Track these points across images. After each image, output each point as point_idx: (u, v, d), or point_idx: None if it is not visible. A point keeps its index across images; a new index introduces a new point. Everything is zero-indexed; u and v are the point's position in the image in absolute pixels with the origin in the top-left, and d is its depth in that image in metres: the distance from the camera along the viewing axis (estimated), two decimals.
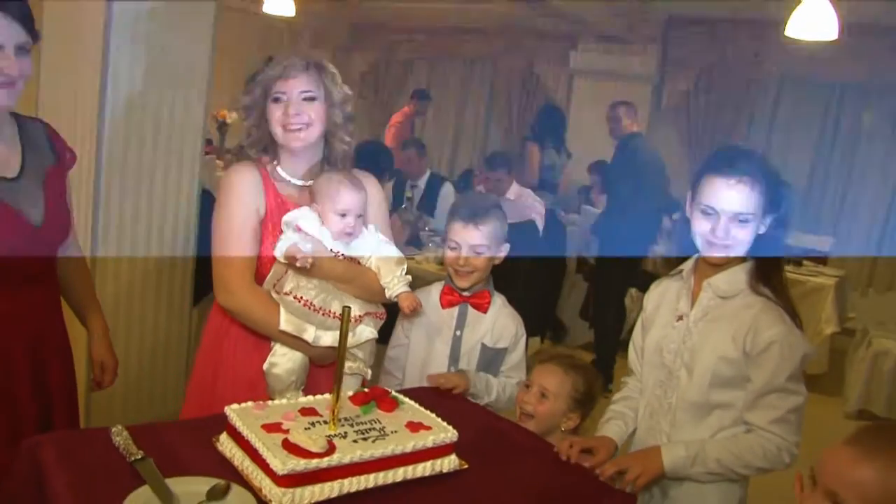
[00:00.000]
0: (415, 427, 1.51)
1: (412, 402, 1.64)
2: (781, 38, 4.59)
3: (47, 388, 1.79)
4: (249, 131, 1.91)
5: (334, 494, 1.33)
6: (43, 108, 3.21)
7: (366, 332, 1.88)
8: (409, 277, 1.90)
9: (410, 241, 4.51)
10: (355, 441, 1.41)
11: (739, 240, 1.70)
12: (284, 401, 1.58)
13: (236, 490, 1.30)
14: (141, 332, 3.18)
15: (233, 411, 1.46)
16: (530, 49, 8.49)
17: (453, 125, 9.26)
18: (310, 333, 1.80)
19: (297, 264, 1.76)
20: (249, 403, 1.51)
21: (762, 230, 1.72)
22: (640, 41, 7.26)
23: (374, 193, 2.02)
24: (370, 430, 1.47)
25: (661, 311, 1.88)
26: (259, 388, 1.84)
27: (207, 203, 3.52)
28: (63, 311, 1.94)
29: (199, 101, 3.20)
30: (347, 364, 1.81)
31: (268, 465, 1.30)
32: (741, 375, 1.71)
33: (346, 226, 1.85)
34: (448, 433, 1.50)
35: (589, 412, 2.08)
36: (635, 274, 5.31)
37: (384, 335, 2.17)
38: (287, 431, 1.39)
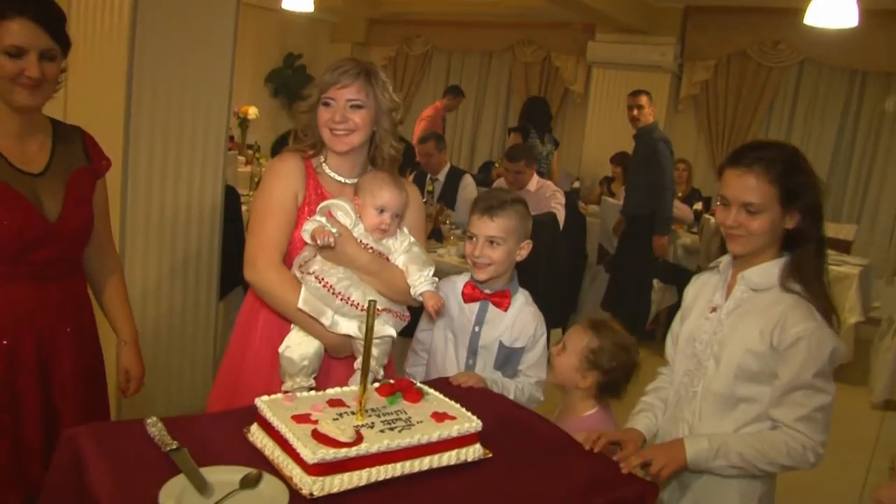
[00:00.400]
0: (440, 417, 1.54)
1: (437, 393, 1.68)
2: (801, 25, 4.56)
3: (55, 380, 1.83)
4: (305, 128, 1.98)
5: (363, 483, 1.37)
6: (70, 106, 3.27)
7: (384, 329, 1.89)
8: (437, 279, 1.92)
9: (431, 234, 4.54)
10: (382, 431, 1.45)
11: (751, 230, 1.71)
12: (313, 393, 1.62)
13: (268, 479, 1.34)
14: (169, 326, 3.25)
15: (263, 403, 1.50)
16: (548, 40, 8.49)
17: (472, 118, 9.28)
18: (327, 317, 1.83)
19: (319, 241, 1.80)
20: (279, 395, 1.56)
21: (790, 224, 1.72)
22: (659, 31, 7.23)
23: (415, 201, 2.07)
24: (396, 420, 1.51)
25: (697, 302, 1.90)
26: (278, 372, 1.91)
27: (231, 198, 3.58)
28: (94, 312, 1.99)
29: (222, 97, 3.25)
30: (360, 359, 1.84)
31: (298, 454, 1.34)
32: (768, 371, 1.71)
33: (381, 221, 1.89)
34: (472, 423, 1.53)
35: (612, 382, 2.08)
36: (654, 264, 5.30)
37: (407, 329, 2.22)
38: (316, 422, 1.43)
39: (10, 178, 1.73)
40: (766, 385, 1.72)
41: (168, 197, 3.15)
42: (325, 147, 1.97)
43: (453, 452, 1.50)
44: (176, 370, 3.32)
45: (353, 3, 8.97)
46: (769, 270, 1.75)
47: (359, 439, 1.39)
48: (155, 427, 1.47)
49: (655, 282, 5.61)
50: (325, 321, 1.83)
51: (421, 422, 1.52)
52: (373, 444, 1.38)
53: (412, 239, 1.97)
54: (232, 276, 3.33)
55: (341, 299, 1.82)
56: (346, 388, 1.65)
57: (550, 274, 4.53)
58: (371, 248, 1.89)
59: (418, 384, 1.70)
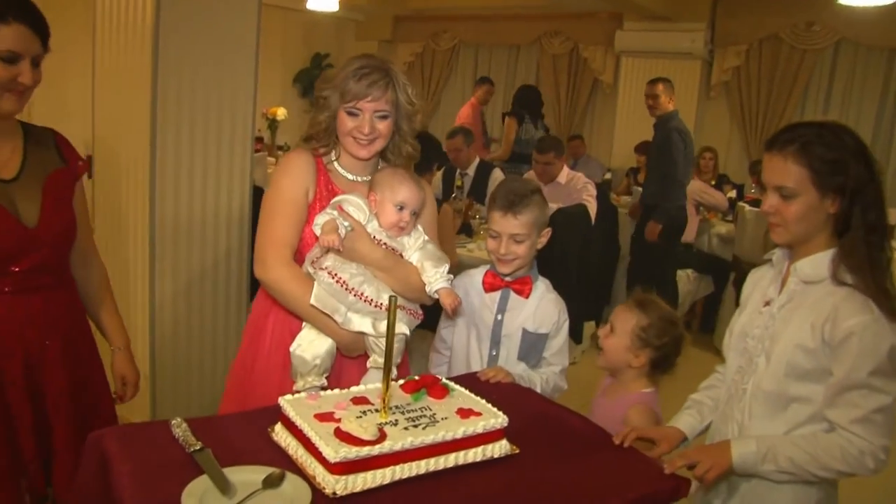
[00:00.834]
0: (465, 413, 1.52)
1: (462, 389, 1.66)
2: (835, 4, 4.45)
3: (45, 395, 1.77)
4: (317, 125, 1.93)
5: (386, 481, 1.35)
6: (97, 111, 3.32)
7: (399, 326, 1.82)
8: (451, 276, 1.89)
9: (461, 229, 4.52)
10: (406, 428, 1.43)
11: (787, 217, 1.62)
12: (336, 391, 1.60)
13: (291, 478, 1.33)
14: (200, 327, 3.27)
15: (286, 402, 1.49)
16: (575, 31, 8.40)
17: (500, 111, 9.20)
18: (340, 313, 1.79)
19: (324, 244, 1.75)
20: (303, 394, 1.55)
21: (832, 209, 1.60)
22: (688, 17, 7.10)
23: (430, 201, 2.05)
24: (421, 417, 1.49)
25: (753, 296, 1.81)
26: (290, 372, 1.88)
27: (259, 199, 3.59)
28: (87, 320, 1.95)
29: (247, 98, 3.26)
30: (373, 357, 1.83)
31: (321, 453, 1.32)
32: (820, 368, 1.59)
33: (400, 219, 1.86)
34: (498, 419, 1.51)
35: (663, 358, 2.07)
36: (674, 254, 5.24)
37: (431, 321, 2.20)
38: (339, 420, 1.42)
39: None
40: (819, 384, 1.61)
41: (196, 199, 3.17)
42: (338, 146, 1.95)
43: (479, 449, 1.48)
44: (209, 371, 3.35)
45: (379, 1, 8.98)
46: (820, 261, 1.63)
47: (382, 437, 1.37)
48: (179, 428, 1.47)
49: (690, 272, 5.53)
50: (338, 318, 1.79)
51: (446, 418, 1.50)
52: (396, 441, 1.37)
53: (426, 237, 1.94)
54: None
55: (355, 295, 1.79)
56: (370, 386, 1.63)
57: (582, 267, 4.48)
58: (385, 243, 1.87)
59: (444, 380, 1.68)
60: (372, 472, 1.34)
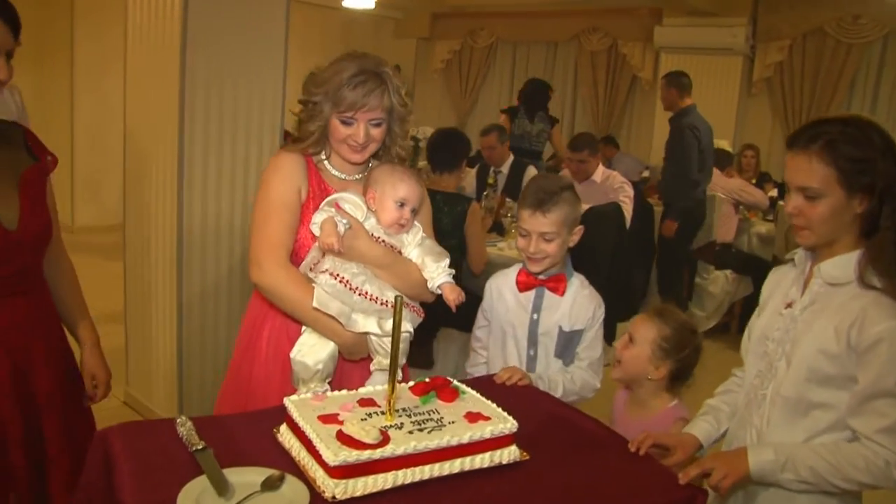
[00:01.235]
0: (473, 417, 1.48)
1: (474, 392, 1.62)
2: None
3: (34, 401, 1.71)
4: (308, 135, 1.87)
5: (388, 486, 1.32)
6: (127, 110, 3.35)
7: (402, 324, 1.73)
8: (453, 270, 1.85)
9: (493, 227, 4.47)
10: (411, 432, 1.40)
11: (812, 219, 1.54)
12: (344, 392, 1.58)
13: (290, 480, 1.30)
14: (228, 327, 3.27)
15: (291, 402, 1.47)
16: (614, 27, 8.29)
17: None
18: (345, 314, 1.73)
19: (323, 246, 1.71)
20: (309, 394, 1.53)
21: (859, 209, 1.53)
22: (729, 12, 6.95)
23: (426, 197, 2.00)
24: (427, 420, 1.46)
25: (773, 297, 1.74)
26: (290, 378, 1.81)
27: None
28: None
29: (276, 95, 3.26)
30: (377, 359, 1.78)
31: (321, 456, 1.30)
32: (844, 374, 1.52)
33: (401, 216, 1.82)
34: (507, 424, 1.47)
35: (683, 368, 2.03)
36: (686, 252, 5.29)
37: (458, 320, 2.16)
38: (342, 422, 1.39)
39: None
40: (843, 390, 1.53)
41: (224, 197, 3.19)
42: (329, 146, 1.90)
43: (486, 455, 1.44)
44: None
45: None
46: (846, 262, 1.56)
47: (385, 441, 1.34)
48: (184, 427, 1.46)
49: (729, 272, 5.41)
50: (343, 319, 1.73)
51: (453, 422, 1.46)
52: (399, 445, 1.34)
53: (423, 233, 1.90)
54: None
55: (359, 294, 1.74)
56: (378, 388, 1.60)
57: (616, 267, 4.40)
58: (383, 240, 1.83)
59: (455, 382, 1.64)
60: (373, 476, 1.31)
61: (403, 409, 1.49)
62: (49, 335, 1.79)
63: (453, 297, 1.81)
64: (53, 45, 6.92)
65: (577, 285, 2.15)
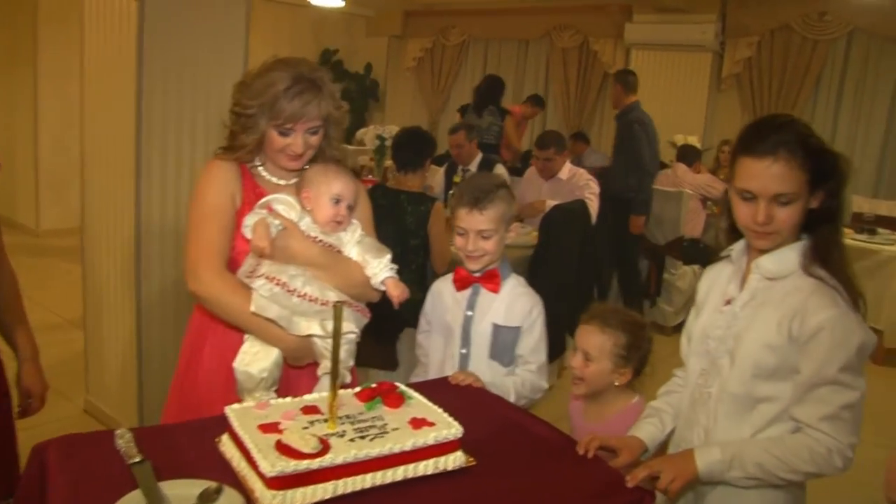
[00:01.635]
0: (418, 424, 1.46)
1: (421, 397, 1.60)
2: None
3: None
4: (238, 137, 1.82)
5: (328, 496, 1.30)
6: (84, 111, 3.30)
7: (346, 325, 1.73)
8: (396, 266, 1.83)
9: None
10: (352, 440, 1.38)
11: (785, 223, 1.53)
12: (288, 399, 1.55)
13: (227, 493, 1.28)
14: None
15: (232, 411, 1.44)
16: (585, 25, 8.31)
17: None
18: (285, 318, 1.69)
19: (254, 249, 1.67)
20: (251, 403, 1.50)
21: (813, 205, 1.54)
22: (699, 9, 6.98)
23: (363, 194, 1.99)
24: (370, 427, 1.43)
25: (711, 295, 1.74)
26: (234, 389, 1.77)
27: None
28: None
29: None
30: (324, 363, 1.75)
31: (258, 466, 1.28)
32: (787, 366, 1.53)
33: (337, 213, 1.80)
34: (452, 429, 1.45)
35: (642, 363, 2.05)
36: (635, 245, 5.38)
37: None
38: (283, 431, 1.37)
39: None
40: (786, 382, 1.55)
41: (182, 198, 3.14)
42: (264, 154, 1.86)
43: (430, 461, 1.42)
44: None
45: None
46: (786, 255, 1.57)
47: (324, 450, 1.32)
48: (122, 439, 1.43)
49: (697, 268, 5.44)
50: (284, 323, 1.70)
51: (397, 429, 1.44)
52: (338, 454, 1.32)
53: (362, 231, 1.88)
54: None
55: (298, 296, 1.71)
56: (324, 394, 1.57)
57: (582, 266, 4.40)
58: (320, 240, 1.80)
59: (401, 387, 1.62)
60: (312, 486, 1.29)
61: (347, 417, 1.47)
62: None
63: (397, 292, 1.79)
64: (17, 51, 6.88)
65: (514, 284, 2.15)
